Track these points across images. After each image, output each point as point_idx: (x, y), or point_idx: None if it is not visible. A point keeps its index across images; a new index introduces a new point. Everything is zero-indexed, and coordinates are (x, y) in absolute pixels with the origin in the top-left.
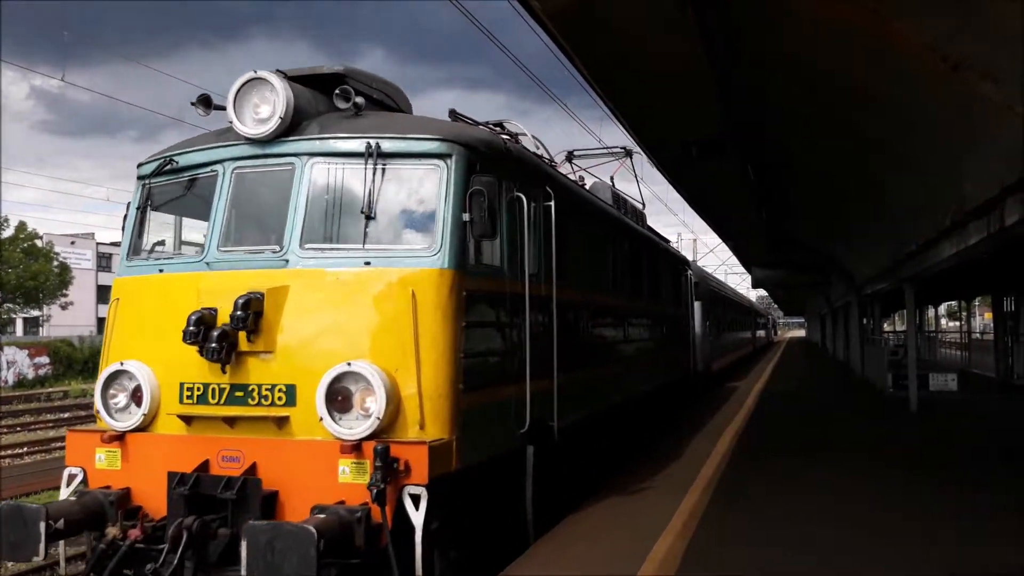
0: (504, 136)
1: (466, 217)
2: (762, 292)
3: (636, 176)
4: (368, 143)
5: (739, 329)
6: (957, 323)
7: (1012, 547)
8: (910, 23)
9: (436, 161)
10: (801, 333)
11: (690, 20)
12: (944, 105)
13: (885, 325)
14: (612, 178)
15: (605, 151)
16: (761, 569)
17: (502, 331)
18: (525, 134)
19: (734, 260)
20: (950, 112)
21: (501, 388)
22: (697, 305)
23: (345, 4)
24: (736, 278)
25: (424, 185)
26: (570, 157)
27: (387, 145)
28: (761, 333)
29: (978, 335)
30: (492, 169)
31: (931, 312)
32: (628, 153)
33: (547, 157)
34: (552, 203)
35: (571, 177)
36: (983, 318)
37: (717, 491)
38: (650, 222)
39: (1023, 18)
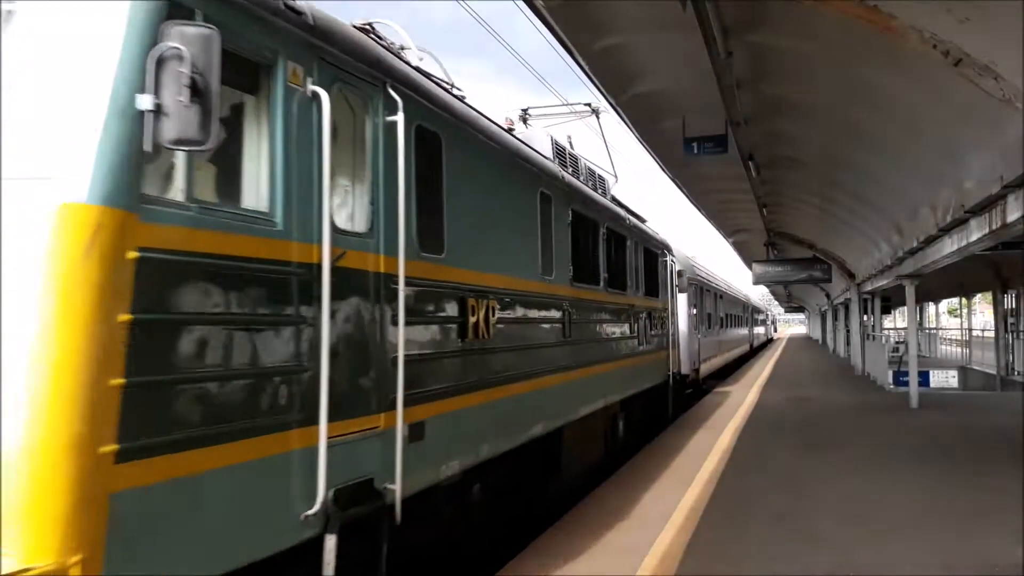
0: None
1: (147, 104)
2: (763, 288)
3: (604, 138)
4: None
5: (734, 325)
6: (958, 320)
7: (1011, 542)
8: (911, 19)
9: None
10: (802, 330)
11: (689, 13)
12: (945, 101)
13: (886, 321)
14: (569, 137)
15: (567, 109)
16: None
17: (254, 332)
18: (408, 47)
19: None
20: (951, 108)
21: (247, 441)
22: (682, 298)
23: (343, 2)
24: (744, 276)
25: (62, 42)
26: (525, 116)
27: None
28: (759, 330)
29: (979, 332)
30: (231, 26)
31: (932, 309)
32: (595, 111)
33: (446, 83)
34: (400, 118)
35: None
36: (983, 315)
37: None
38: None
39: None
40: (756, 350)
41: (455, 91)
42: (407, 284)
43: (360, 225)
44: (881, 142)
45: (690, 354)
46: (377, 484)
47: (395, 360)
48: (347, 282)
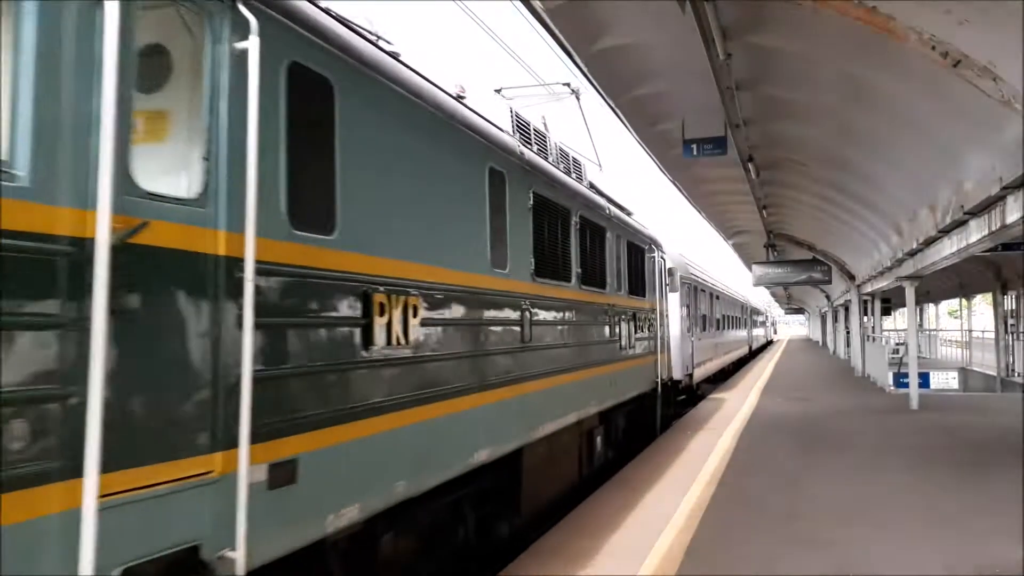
0: None
1: None
2: (762, 290)
3: (585, 120)
4: None
5: (731, 327)
6: (958, 321)
7: (1011, 544)
8: (910, 20)
9: None
10: (802, 331)
11: (688, 15)
12: (945, 102)
13: (886, 323)
14: (544, 118)
15: (544, 90)
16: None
17: None
18: None
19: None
20: (951, 109)
21: None
22: (673, 298)
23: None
24: (743, 277)
25: None
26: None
27: None
28: (758, 332)
29: (979, 333)
30: None
31: (932, 310)
32: (574, 92)
33: (369, 32)
34: (252, 43)
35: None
36: (983, 316)
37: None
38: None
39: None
40: (755, 353)
41: (383, 44)
42: (270, 273)
43: (187, 188)
44: (880, 143)
45: (683, 358)
46: (207, 553)
47: (233, 374)
48: (153, 267)
